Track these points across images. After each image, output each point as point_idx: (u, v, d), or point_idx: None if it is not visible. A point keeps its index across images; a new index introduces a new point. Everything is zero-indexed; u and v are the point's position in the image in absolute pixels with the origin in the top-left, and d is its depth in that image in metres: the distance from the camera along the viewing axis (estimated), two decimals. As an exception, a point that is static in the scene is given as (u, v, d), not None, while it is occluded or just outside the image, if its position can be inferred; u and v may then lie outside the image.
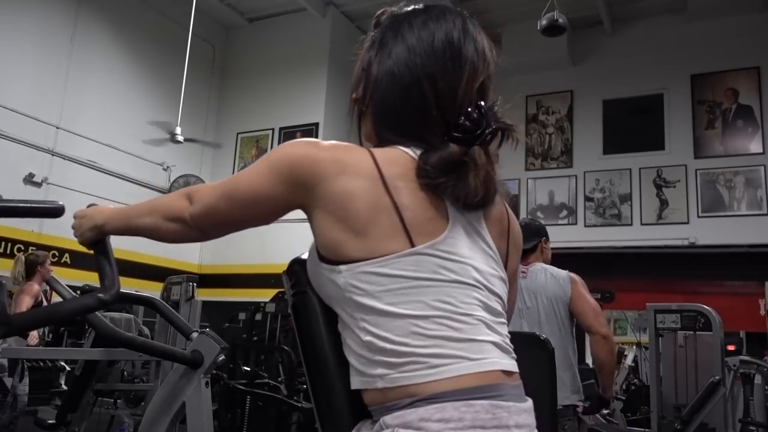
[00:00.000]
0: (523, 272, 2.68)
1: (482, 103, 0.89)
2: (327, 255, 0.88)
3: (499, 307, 0.91)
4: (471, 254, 0.89)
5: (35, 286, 4.35)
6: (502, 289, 0.93)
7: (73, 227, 1.14)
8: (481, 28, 0.97)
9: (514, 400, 0.84)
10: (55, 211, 1.11)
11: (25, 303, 4.26)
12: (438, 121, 0.90)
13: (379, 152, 0.89)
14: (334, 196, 0.86)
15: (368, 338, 0.85)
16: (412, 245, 0.84)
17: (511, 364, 0.88)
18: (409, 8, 0.99)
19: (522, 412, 0.84)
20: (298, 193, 0.90)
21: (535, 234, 2.80)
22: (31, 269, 4.42)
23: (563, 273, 2.71)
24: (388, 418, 0.83)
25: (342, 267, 0.86)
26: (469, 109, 0.88)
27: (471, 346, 0.84)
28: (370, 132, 0.98)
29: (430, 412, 0.79)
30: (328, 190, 0.87)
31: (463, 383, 0.81)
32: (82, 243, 1.14)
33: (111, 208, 1.12)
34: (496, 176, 0.91)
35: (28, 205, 1.10)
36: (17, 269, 4.42)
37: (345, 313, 0.88)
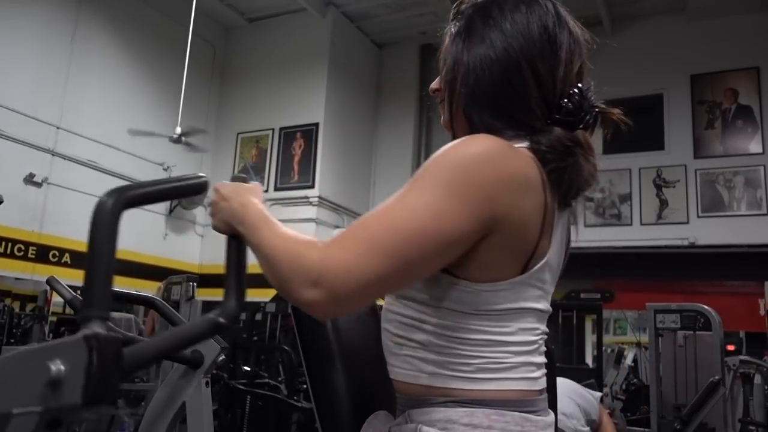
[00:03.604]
0: None
1: (580, 86, 0.87)
2: None
3: (545, 326, 0.91)
4: (548, 277, 0.87)
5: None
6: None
7: (212, 203, 0.92)
8: (570, 13, 0.94)
9: (542, 414, 0.85)
10: (200, 187, 0.87)
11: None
12: (539, 104, 0.86)
13: (539, 161, 0.82)
14: (515, 226, 0.78)
15: (434, 340, 0.83)
16: (523, 271, 0.82)
17: (544, 381, 0.88)
18: None
19: (547, 426, 0.85)
20: (490, 224, 0.76)
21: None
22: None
23: (596, 394, 2.53)
24: (415, 413, 0.82)
25: (445, 276, 0.81)
26: (571, 92, 0.85)
27: (523, 368, 0.84)
28: (459, 119, 0.92)
29: (459, 415, 0.79)
30: (513, 218, 0.78)
31: (501, 395, 0.81)
32: (214, 228, 0.92)
33: (254, 212, 0.86)
34: None
35: (167, 186, 0.86)
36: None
37: (413, 309, 0.85)
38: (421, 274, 0.78)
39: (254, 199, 0.88)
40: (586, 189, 0.85)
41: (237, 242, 0.88)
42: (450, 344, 0.82)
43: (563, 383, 2.48)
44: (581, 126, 0.85)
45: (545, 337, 0.90)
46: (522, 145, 0.85)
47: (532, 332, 0.85)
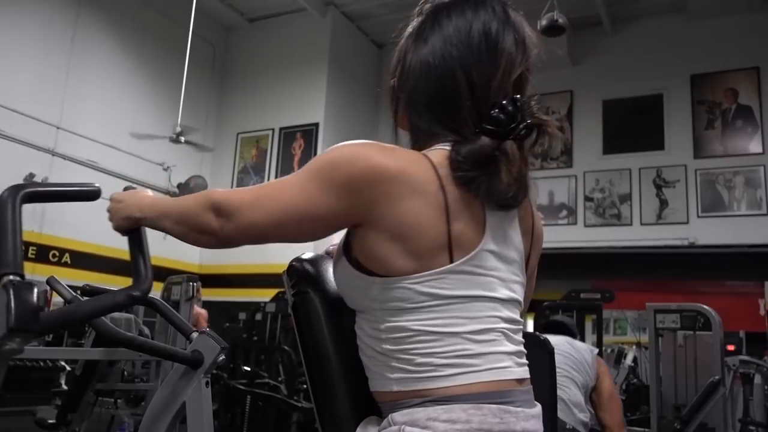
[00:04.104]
0: None
1: (518, 96, 0.85)
2: (364, 263, 0.86)
3: (517, 315, 0.91)
4: (499, 265, 0.87)
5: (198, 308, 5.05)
6: (521, 295, 0.93)
7: (108, 210, 1.07)
8: (523, 17, 0.93)
9: (523, 405, 0.85)
10: (91, 194, 1.03)
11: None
12: (471, 112, 0.87)
13: (437, 161, 0.85)
14: (398, 219, 0.82)
15: (389, 347, 0.85)
16: (451, 261, 0.83)
17: (523, 371, 0.88)
18: None
19: (530, 418, 0.84)
20: (357, 212, 0.84)
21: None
22: None
23: (591, 347, 2.61)
24: (397, 415, 0.83)
25: (377, 279, 0.85)
26: (504, 102, 0.84)
27: (489, 357, 0.84)
28: (402, 119, 0.97)
29: (438, 412, 0.80)
30: (393, 212, 0.82)
31: (475, 389, 0.82)
32: (115, 229, 1.06)
33: (148, 199, 1.03)
34: (529, 174, 0.87)
35: (62, 188, 1.03)
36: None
37: (368, 321, 0.88)
38: (296, 234, 0.89)
39: (148, 193, 1.06)
40: (503, 197, 0.84)
41: (137, 234, 1.06)
42: (404, 346, 0.84)
43: (559, 346, 2.46)
44: (511, 137, 0.84)
45: (513, 325, 0.89)
46: (445, 148, 0.87)
47: (485, 320, 0.85)
